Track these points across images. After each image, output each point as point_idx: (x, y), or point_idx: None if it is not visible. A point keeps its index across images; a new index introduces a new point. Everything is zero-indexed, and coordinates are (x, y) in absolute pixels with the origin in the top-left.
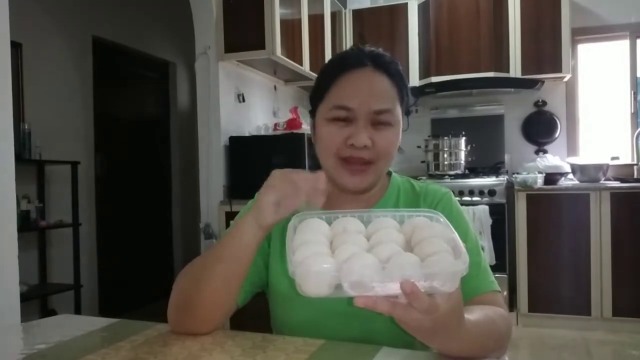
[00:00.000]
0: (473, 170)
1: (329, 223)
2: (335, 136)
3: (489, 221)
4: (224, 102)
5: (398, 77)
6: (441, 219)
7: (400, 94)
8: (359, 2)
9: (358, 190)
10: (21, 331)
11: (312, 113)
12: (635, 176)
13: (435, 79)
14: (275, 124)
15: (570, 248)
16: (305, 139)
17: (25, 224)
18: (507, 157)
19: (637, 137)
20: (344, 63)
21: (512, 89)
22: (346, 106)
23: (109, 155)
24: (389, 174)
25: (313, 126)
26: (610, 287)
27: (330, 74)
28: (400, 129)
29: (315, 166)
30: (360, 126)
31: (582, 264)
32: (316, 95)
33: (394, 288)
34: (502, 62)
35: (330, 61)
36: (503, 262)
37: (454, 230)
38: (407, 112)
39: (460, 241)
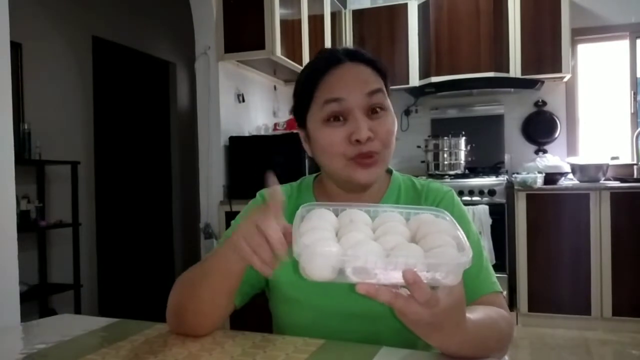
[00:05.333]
0: (473, 170)
1: (336, 215)
2: (335, 137)
3: (489, 221)
4: (224, 102)
5: (378, 65)
6: (447, 217)
7: (384, 80)
8: (359, 2)
9: (370, 183)
10: (21, 331)
11: (302, 124)
12: (635, 176)
13: (435, 79)
14: (275, 124)
15: (570, 248)
16: None
17: (25, 224)
18: (507, 157)
19: (637, 137)
20: (322, 64)
21: (512, 89)
22: (337, 97)
23: (109, 155)
24: (390, 172)
25: (306, 138)
26: (610, 287)
27: (311, 77)
28: (394, 115)
29: (315, 167)
30: (358, 119)
31: (582, 264)
32: (301, 103)
33: (397, 277)
34: (502, 62)
35: (306, 68)
36: (503, 262)
37: (459, 228)
38: (406, 112)
39: (464, 238)
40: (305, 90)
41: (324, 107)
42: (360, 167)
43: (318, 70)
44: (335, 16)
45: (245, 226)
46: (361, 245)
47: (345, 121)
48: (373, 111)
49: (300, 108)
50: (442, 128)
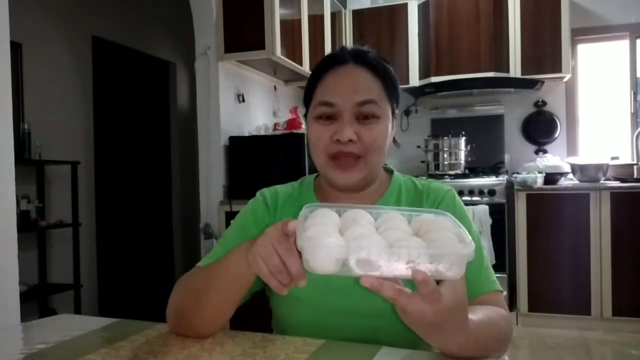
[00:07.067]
0: (473, 170)
1: (339, 215)
2: (321, 134)
3: (489, 221)
4: (224, 102)
5: (381, 71)
6: (449, 218)
7: (386, 87)
8: (359, 2)
9: (347, 186)
10: (21, 331)
11: (306, 117)
12: (635, 176)
13: (435, 79)
14: (275, 124)
15: (570, 248)
16: (305, 139)
17: (25, 224)
18: (507, 157)
19: (637, 137)
20: (328, 62)
21: (512, 89)
22: (329, 102)
23: (109, 155)
24: (391, 172)
25: (306, 129)
26: (610, 287)
27: (316, 74)
28: (389, 123)
29: (313, 166)
30: (345, 121)
31: (582, 264)
32: (306, 96)
33: (400, 268)
34: (502, 62)
35: (318, 63)
36: (503, 262)
37: (461, 225)
38: (406, 112)
39: (466, 233)
40: (308, 87)
41: (317, 107)
42: (338, 169)
43: (322, 67)
44: (335, 16)
45: (264, 246)
46: (364, 237)
47: (334, 121)
48: (364, 117)
49: (306, 100)
50: (442, 128)
